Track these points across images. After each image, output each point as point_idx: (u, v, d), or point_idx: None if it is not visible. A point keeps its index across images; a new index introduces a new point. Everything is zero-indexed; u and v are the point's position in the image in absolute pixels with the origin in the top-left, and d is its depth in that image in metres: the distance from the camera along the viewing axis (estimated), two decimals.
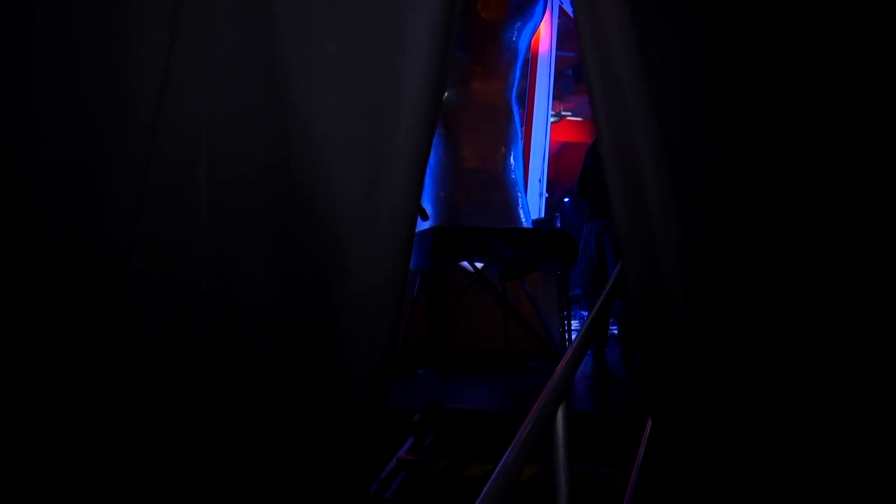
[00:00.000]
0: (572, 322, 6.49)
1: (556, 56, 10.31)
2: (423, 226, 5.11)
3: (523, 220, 6.34)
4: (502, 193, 6.28)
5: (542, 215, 8.70)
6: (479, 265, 5.65)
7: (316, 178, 1.42)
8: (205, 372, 1.48)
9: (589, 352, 4.44)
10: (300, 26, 1.47)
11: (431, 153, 1.45)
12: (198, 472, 1.46)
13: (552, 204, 11.89)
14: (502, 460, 1.34)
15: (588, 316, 2.10)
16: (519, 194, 6.44)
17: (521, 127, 7.12)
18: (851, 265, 1.39)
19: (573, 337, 5.99)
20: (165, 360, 1.50)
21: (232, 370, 1.47)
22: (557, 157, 12.80)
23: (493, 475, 1.29)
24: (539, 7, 6.64)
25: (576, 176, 4.73)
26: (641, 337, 1.44)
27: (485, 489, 1.25)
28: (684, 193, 1.35)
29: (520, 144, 6.72)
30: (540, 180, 9.23)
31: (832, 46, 1.39)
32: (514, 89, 6.56)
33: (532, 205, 8.09)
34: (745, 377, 1.35)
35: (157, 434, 1.48)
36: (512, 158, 6.43)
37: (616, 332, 4.33)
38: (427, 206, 5.71)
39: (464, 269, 5.73)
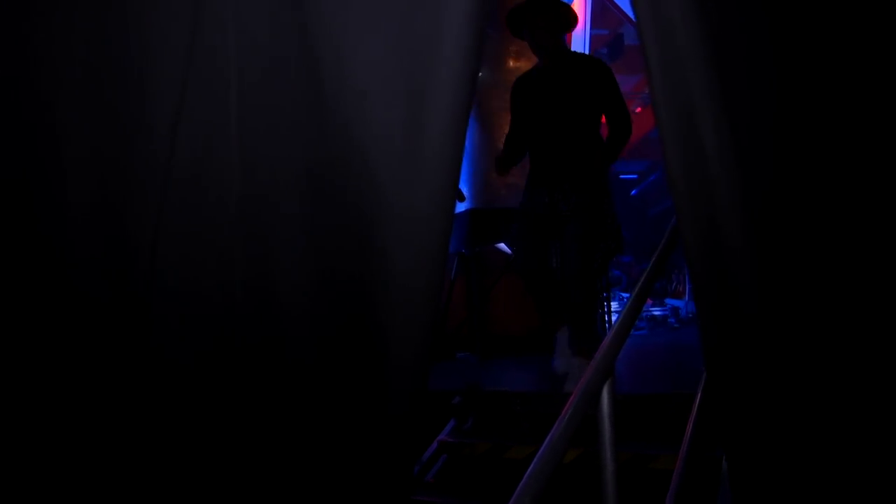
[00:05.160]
0: (612, 304, 6.39)
1: (591, 35, 10.11)
2: (459, 208, 5.08)
3: None
4: None
5: None
6: None
7: (351, 140, 1.37)
8: (240, 367, 1.45)
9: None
10: None
11: (466, 134, 1.40)
12: (238, 468, 1.45)
13: None
14: (546, 440, 1.31)
15: (633, 292, 2.04)
16: None
17: None
18: None
19: (613, 319, 5.92)
20: (198, 356, 1.47)
21: (270, 364, 1.44)
22: None
23: (538, 455, 1.26)
24: None
25: None
26: (699, 300, 1.38)
27: (529, 469, 1.23)
28: (744, 143, 1.27)
29: None
30: None
31: None
32: None
33: None
34: (812, 345, 1.28)
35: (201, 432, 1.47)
36: None
37: None
38: (463, 188, 5.67)
39: (501, 251, 5.69)
